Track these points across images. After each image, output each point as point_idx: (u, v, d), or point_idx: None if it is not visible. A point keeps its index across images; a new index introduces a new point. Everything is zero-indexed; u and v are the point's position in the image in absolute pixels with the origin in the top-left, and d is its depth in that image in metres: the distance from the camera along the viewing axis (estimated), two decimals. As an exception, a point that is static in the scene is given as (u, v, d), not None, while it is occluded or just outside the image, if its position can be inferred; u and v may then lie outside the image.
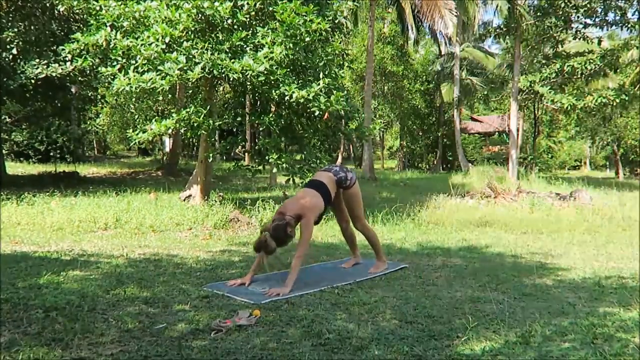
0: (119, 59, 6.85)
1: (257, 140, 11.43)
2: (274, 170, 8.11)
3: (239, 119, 8.26)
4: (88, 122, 19.40)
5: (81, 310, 2.84)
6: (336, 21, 7.54)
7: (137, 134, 6.97)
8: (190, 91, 11.65)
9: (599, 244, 5.83)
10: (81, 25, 9.25)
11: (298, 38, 6.57)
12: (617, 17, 13.95)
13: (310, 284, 3.55)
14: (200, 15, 6.56)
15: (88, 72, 9.61)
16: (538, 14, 14.86)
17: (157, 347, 2.36)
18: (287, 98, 6.64)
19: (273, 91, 6.74)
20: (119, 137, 23.69)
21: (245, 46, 6.68)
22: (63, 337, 2.42)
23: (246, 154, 15.99)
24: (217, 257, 4.60)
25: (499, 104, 26.81)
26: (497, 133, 29.31)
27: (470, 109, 32.41)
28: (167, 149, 20.06)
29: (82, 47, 7.10)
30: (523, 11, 15.22)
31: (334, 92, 6.84)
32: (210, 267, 4.17)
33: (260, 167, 7.93)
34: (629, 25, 13.98)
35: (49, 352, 2.26)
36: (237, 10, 6.63)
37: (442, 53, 26.15)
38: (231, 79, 6.81)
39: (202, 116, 6.93)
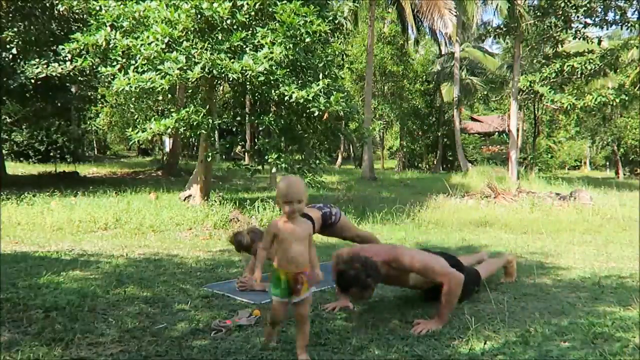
0: (119, 58, 6.86)
1: (256, 139, 11.46)
2: (274, 170, 8.12)
3: (238, 118, 8.26)
4: (88, 122, 19.40)
5: (81, 310, 2.84)
6: (336, 21, 7.54)
7: (137, 133, 6.97)
8: (190, 91, 11.69)
9: (599, 244, 5.83)
10: (81, 25, 9.25)
11: (298, 39, 6.57)
12: (617, 17, 13.95)
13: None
14: (199, 15, 6.56)
15: (88, 72, 9.61)
16: (538, 13, 14.87)
17: (157, 347, 2.36)
18: (286, 98, 6.64)
19: (273, 91, 6.75)
20: (119, 137, 23.70)
21: (244, 46, 6.68)
22: (63, 337, 2.42)
23: (246, 153, 16.01)
24: (217, 257, 4.60)
25: (499, 104, 26.81)
26: (497, 133, 29.31)
27: (471, 109, 32.43)
28: (167, 149, 20.06)
29: (81, 47, 7.11)
30: (523, 11, 15.22)
31: (334, 93, 6.84)
32: (210, 267, 4.17)
33: (260, 167, 7.94)
34: (629, 25, 13.98)
35: (49, 352, 2.26)
36: (237, 11, 6.63)
37: (442, 53, 26.17)
38: (231, 79, 6.82)
39: (202, 116, 6.93)
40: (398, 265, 2.80)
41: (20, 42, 9.85)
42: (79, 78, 10.76)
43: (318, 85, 6.65)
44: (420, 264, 2.80)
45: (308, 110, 6.98)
